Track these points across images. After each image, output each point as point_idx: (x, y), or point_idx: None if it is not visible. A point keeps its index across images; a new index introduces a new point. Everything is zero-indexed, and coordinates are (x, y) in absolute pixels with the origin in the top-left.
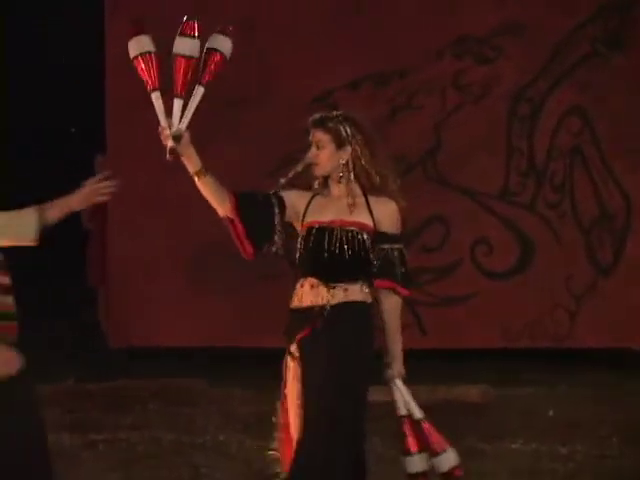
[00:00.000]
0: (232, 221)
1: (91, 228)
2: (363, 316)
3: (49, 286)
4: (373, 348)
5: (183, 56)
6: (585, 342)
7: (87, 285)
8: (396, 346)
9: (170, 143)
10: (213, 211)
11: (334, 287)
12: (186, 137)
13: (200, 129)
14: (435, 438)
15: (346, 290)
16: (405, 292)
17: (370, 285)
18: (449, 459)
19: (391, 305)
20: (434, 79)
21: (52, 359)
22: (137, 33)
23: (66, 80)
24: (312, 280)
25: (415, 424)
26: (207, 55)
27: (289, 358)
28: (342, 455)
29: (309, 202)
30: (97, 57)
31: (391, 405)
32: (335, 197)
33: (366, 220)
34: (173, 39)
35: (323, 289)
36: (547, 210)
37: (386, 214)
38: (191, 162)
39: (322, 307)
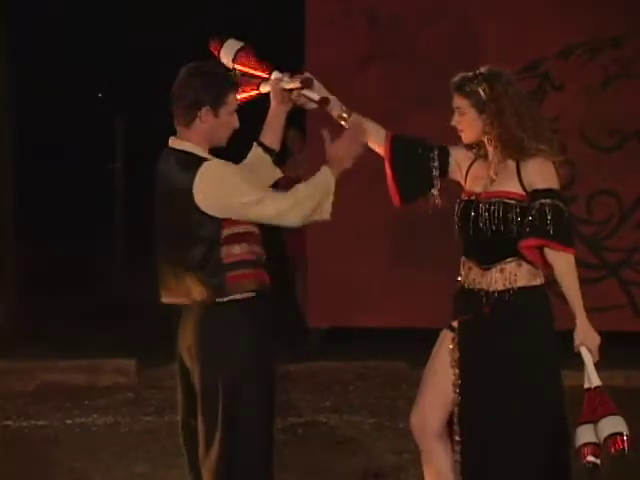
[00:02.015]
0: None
1: None
2: (533, 306)
3: None
4: (552, 338)
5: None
6: None
7: (286, 266)
8: (575, 311)
9: (295, 83)
10: None
11: (488, 269)
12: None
13: (402, 100)
14: (600, 403)
15: (502, 271)
16: (560, 248)
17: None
18: (609, 425)
19: (558, 266)
20: None
21: None
22: (220, 44)
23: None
24: (468, 261)
25: (592, 393)
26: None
27: (448, 330)
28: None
29: (470, 166)
30: None
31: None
32: (488, 165)
33: (514, 188)
34: None
35: (478, 271)
36: None
37: (535, 172)
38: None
39: (482, 293)
